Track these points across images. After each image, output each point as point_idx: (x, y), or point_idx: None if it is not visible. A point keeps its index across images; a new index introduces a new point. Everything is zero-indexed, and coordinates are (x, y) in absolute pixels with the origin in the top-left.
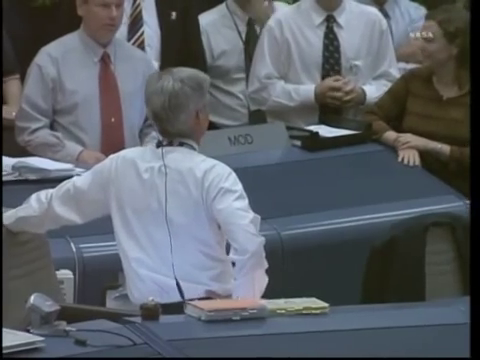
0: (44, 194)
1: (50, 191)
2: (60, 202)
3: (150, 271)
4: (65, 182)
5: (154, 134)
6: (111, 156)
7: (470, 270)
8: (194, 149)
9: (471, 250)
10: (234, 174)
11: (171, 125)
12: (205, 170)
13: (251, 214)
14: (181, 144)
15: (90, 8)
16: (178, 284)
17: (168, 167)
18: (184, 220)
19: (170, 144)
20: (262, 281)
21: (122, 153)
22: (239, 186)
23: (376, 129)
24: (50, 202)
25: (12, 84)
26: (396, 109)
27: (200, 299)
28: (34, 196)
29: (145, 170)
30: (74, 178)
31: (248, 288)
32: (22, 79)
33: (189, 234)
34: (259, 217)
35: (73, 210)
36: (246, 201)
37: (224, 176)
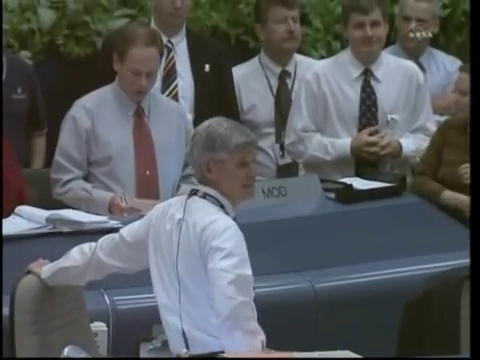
0: (87, 246)
1: (93, 243)
2: (106, 250)
3: (174, 318)
4: (111, 234)
5: (184, 187)
6: (159, 204)
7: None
8: (213, 202)
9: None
10: (231, 230)
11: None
12: (204, 226)
13: (233, 274)
14: (204, 196)
15: (123, 70)
16: (194, 335)
17: (185, 220)
18: (191, 274)
19: (196, 194)
20: (246, 342)
21: (167, 201)
22: (230, 243)
23: (431, 190)
24: (95, 251)
25: (41, 140)
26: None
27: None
28: (76, 248)
29: (169, 220)
30: (121, 229)
31: (233, 349)
32: (58, 131)
33: (199, 288)
34: (248, 276)
35: (119, 256)
36: (234, 259)
37: (218, 233)
